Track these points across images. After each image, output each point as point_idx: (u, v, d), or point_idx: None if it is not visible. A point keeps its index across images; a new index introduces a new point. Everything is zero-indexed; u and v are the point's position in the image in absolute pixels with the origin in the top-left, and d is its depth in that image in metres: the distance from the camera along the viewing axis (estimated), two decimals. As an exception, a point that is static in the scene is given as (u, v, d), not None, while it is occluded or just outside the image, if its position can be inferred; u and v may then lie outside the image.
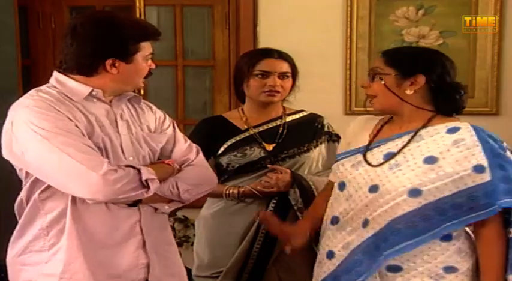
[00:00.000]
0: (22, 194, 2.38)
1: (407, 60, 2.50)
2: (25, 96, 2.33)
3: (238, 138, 3.23)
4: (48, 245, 2.33)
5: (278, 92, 3.16)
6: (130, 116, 2.50)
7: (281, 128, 3.20)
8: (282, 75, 3.15)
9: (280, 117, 3.24)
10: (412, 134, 2.47)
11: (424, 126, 2.47)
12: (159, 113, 2.63)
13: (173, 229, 4.49)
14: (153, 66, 2.45)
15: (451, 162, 2.35)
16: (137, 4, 4.68)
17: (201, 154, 2.64)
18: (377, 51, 4.36)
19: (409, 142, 2.46)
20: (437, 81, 2.44)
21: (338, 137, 3.20)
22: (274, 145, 3.21)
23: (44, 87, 2.37)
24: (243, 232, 3.13)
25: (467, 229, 2.43)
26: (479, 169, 2.32)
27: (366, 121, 2.72)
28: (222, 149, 3.22)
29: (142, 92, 4.65)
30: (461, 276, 2.41)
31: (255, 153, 3.19)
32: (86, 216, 2.30)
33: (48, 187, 2.30)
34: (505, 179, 2.32)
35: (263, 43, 4.32)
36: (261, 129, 3.24)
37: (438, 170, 2.35)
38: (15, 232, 2.42)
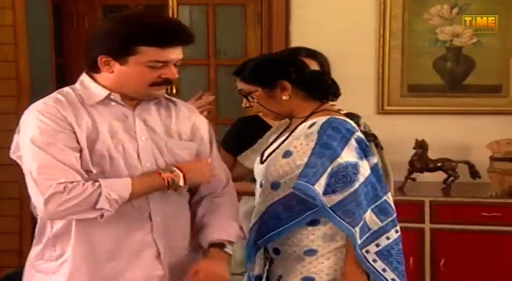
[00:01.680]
0: None
1: (264, 73, 2.60)
2: (45, 97, 2.28)
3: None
4: (55, 255, 2.28)
5: None
6: (157, 121, 2.38)
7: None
8: None
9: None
10: (292, 129, 2.62)
11: (300, 123, 2.59)
12: (197, 120, 2.48)
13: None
14: (167, 75, 2.26)
15: (301, 155, 2.50)
16: (170, 3, 4.74)
17: (230, 181, 2.52)
18: (410, 49, 4.45)
19: (287, 138, 2.61)
20: (298, 78, 2.56)
21: (374, 137, 3.14)
22: None
23: (66, 88, 2.31)
24: None
25: None
26: None
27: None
28: None
29: (174, 91, 4.71)
30: (322, 258, 2.52)
31: None
32: (92, 227, 2.21)
33: None
34: (309, 164, 2.45)
35: (295, 42, 4.33)
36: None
37: (291, 163, 2.51)
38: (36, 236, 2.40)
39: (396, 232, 2.51)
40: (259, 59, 2.83)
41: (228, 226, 2.40)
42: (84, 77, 2.29)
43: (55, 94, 2.26)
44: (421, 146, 4.14)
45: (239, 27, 4.90)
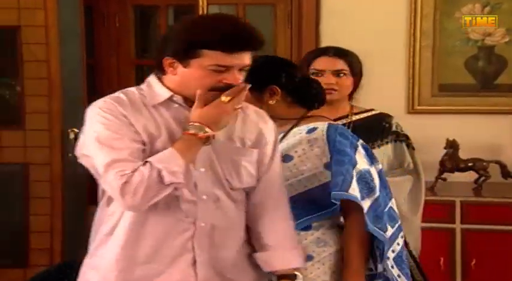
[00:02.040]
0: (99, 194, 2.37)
1: (254, 77, 2.54)
2: (109, 95, 2.28)
3: None
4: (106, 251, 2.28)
5: (335, 90, 3.12)
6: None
7: (346, 127, 3.07)
8: (337, 73, 3.11)
9: (346, 116, 3.17)
10: (283, 134, 2.63)
11: (292, 128, 2.63)
12: (264, 127, 2.42)
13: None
14: (228, 80, 2.19)
15: (304, 160, 2.55)
16: (200, 3, 4.75)
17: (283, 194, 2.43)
18: (441, 49, 4.43)
19: (281, 140, 2.62)
20: (288, 83, 2.59)
21: (406, 137, 3.14)
22: None
23: (131, 88, 2.31)
24: None
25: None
26: (329, 166, 2.52)
27: None
28: None
29: None
30: (318, 264, 2.54)
31: None
32: (138, 226, 2.21)
33: None
34: (335, 174, 2.47)
35: (325, 42, 4.32)
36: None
37: (292, 168, 2.55)
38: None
39: (402, 237, 2.59)
40: (253, 60, 2.86)
41: (290, 249, 2.36)
42: (151, 78, 2.30)
43: (117, 93, 2.27)
44: (452, 146, 4.12)
45: (269, 26, 4.89)
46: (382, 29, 4.35)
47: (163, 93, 2.23)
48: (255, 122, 2.38)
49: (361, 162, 2.51)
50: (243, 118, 2.35)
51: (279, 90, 2.59)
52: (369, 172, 2.51)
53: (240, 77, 2.18)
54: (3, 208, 4.58)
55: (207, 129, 2.15)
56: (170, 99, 2.22)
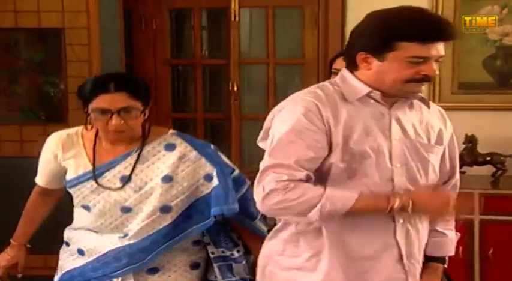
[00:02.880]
0: None
1: (145, 91, 2.68)
2: (305, 91, 2.26)
3: None
4: (299, 251, 2.26)
5: None
6: (409, 122, 2.26)
7: None
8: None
9: None
10: (136, 155, 2.67)
11: (144, 145, 2.68)
12: (444, 126, 2.35)
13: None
14: (426, 72, 2.11)
15: (185, 177, 2.65)
16: (232, 6, 4.84)
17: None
18: (461, 48, 4.44)
19: (136, 162, 2.66)
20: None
21: None
22: None
23: (325, 83, 2.27)
24: None
25: None
26: (208, 177, 2.65)
27: (69, 138, 2.81)
28: None
29: (236, 88, 4.88)
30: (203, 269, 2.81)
31: None
32: (344, 226, 2.17)
33: None
34: (221, 187, 2.64)
35: None
36: None
37: (177, 186, 2.63)
38: (271, 232, 2.40)
39: None
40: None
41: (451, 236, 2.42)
42: (345, 73, 2.24)
43: (314, 89, 2.23)
44: (470, 140, 4.18)
45: (297, 28, 4.91)
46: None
47: (362, 88, 2.18)
48: (438, 119, 2.33)
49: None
50: (427, 116, 2.30)
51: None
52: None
53: (436, 68, 2.12)
54: None
55: (409, 207, 2.10)
56: (367, 95, 2.17)
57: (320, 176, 2.15)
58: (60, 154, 2.76)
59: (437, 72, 2.13)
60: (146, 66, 5.05)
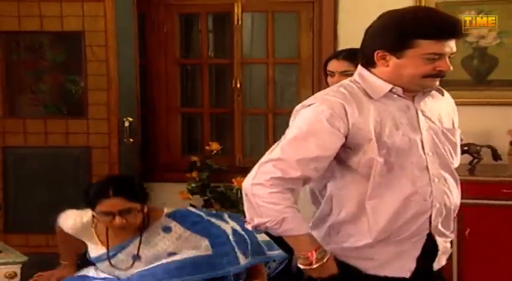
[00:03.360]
0: None
1: (141, 192, 3.14)
2: (331, 90, 2.27)
3: None
4: (339, 241, 2.28)
5: None
6: (432, 111, 2.29)
7: None
8: (345, 74, 3.14)
9: None
10: (138, 239, 3.11)
11: (143, 232, 3.11)
12: (456, 115, 2.41)
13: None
14: (441, 67, 2.17)
15: (187, 251, 3.07)
16: (235, 11, 4.97)
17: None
18: None
19: (140, 244, 3.10)
20: None
21: None
22: None
23: (347, 82, 2.27)
24: None
25: None
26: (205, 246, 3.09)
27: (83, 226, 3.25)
28: None
29: (238, 85, 5.01)
30: None
31: None
32: (382, 210, 2.22)
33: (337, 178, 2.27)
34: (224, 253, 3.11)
35: (343, 43, 4.46)
36: None
37: (181, 257, 3.05)
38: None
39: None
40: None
41: None
42: (364, 72, 2.25)
43: (338, 88, 2.23)
44: None
45: (294, 31, 4.99)
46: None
47: (383, 85, 2.19)
48: (452, 108, 2.40)
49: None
50: (444, 104, 2.35)
51: None
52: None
53: (449, 63, 2.17)
54: (71, 184, 4.70)
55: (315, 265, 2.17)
56: (390, 90, 2.19)
57: (366, 172, 2.16)
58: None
59: (452, 68, 2.17)
60: (158, 66, 5.13)
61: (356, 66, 2.92)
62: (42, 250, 4.64)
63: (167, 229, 3.11)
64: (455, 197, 2.31)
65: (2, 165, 4.83)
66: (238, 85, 5.08)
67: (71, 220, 3.22)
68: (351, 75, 2.93)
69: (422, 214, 2.22)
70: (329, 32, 4.76)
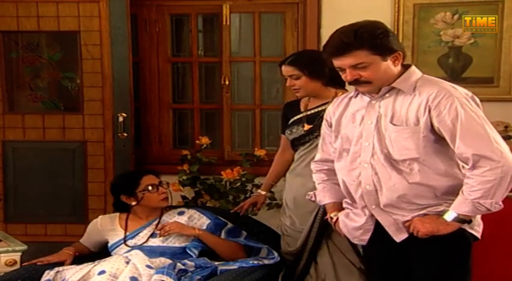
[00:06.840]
0: None
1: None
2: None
3: (295, 118, 3.54)
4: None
5: (296, 89, 3.44)
6: (388, 108, 2.51)
7: (322, 112, 3.17)
8: (290, 77, 3.47)
9: (327, 103, 3.27)
10: (157, 220, 3.57)
11: (164, 212, 3.62)
12: (422, 108, 2.46)
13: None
14: (345, 77, 2.52)
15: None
16: (224, 12, 4.99)
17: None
18: (419, 49, 4.60)
19: (157, 224, 3.54)
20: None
21: None
22: (310, 126, 3.44)
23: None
24: None
25: None
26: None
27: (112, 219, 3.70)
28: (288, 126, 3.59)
29: (227, 82, 5.04)
30: None
31: (298, 131, 3.49)
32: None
33: None
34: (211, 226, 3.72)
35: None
36: (309, 112, 3.50)
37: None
38: None
39: None
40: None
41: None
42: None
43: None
44: None
45: (279, 31, 5.02)
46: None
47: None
48: (422, 103, 2.52)
49: None
50: (413, 101, 2.52)
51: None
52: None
53: (354, 74, 2.50)
54: (68, 176, 4.81)
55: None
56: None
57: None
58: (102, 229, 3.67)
59: (355, 77, 2.52)
60: (150, 64, 5.15)
61: (300, 70, 3.42)
62: (41, 238, 4.71)
63: (181, 213, 3.60)
64: (387, 182, 2.54)
65: (2, 158, 4.87)
66: (227, 82, 5.11)
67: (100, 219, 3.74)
68: (297, 78, 3.41)
69: (354, 192, 2.62)
70: (313, 31, 4.78)
